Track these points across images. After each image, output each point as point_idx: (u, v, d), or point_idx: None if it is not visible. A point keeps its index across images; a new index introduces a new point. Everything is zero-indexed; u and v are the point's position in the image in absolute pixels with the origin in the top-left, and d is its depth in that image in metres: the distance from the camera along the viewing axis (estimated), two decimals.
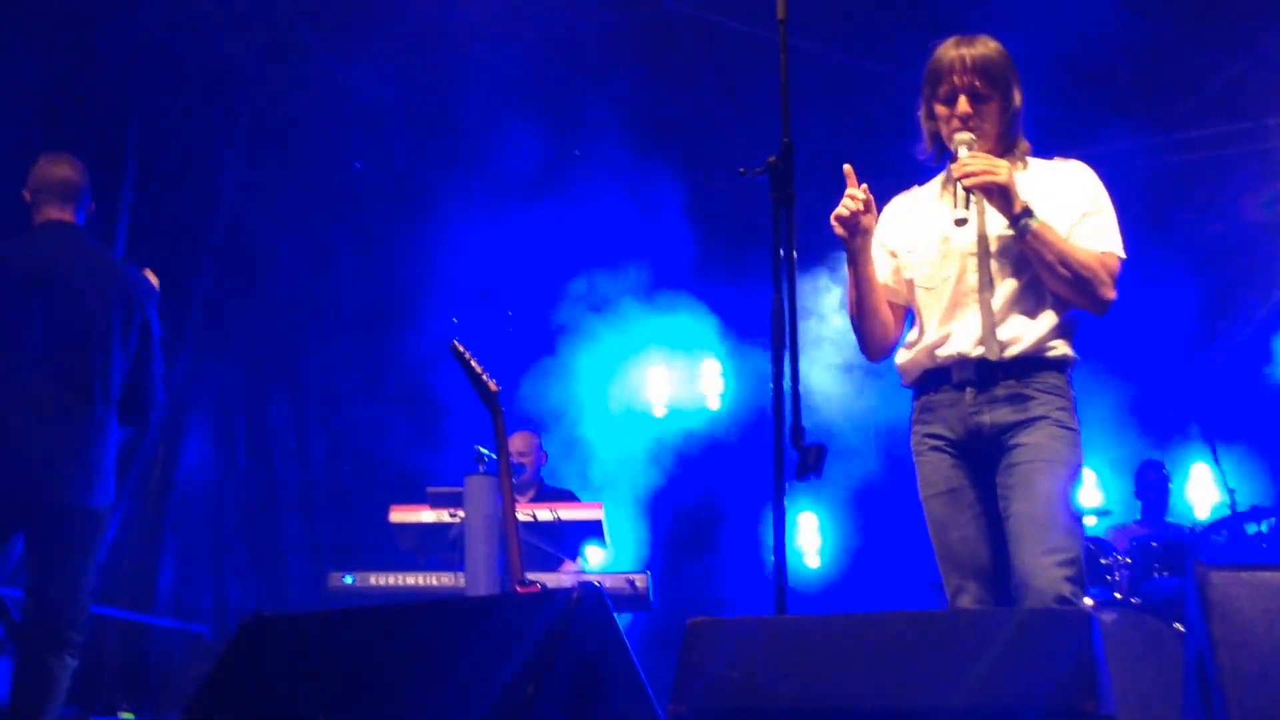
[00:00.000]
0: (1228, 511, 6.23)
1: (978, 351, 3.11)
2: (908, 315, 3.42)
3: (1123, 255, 3.15)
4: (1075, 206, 3.15)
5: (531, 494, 6.27)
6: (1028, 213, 3.04)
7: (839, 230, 3.17)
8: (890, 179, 3.53)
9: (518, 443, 6.33)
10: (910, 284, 3.32)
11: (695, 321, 8.32)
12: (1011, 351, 3.10)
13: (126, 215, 6.13)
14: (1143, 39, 6.64)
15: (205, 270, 6.87)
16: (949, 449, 3.18)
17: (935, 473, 3.20)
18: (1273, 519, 6.37)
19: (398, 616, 2.73)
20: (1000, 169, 3.05)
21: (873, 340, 3.35)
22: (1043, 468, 3.01)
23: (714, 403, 8.59)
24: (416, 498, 5.61)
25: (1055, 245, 3.05)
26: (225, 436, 7.09)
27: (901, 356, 3.32)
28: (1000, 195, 3.05)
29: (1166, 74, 7.04)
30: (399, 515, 5.57)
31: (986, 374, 3.11)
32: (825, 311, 7.39)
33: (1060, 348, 3.14)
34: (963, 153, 3.11)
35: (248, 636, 2.75)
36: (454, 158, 7.23)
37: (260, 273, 7.22)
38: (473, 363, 4.24)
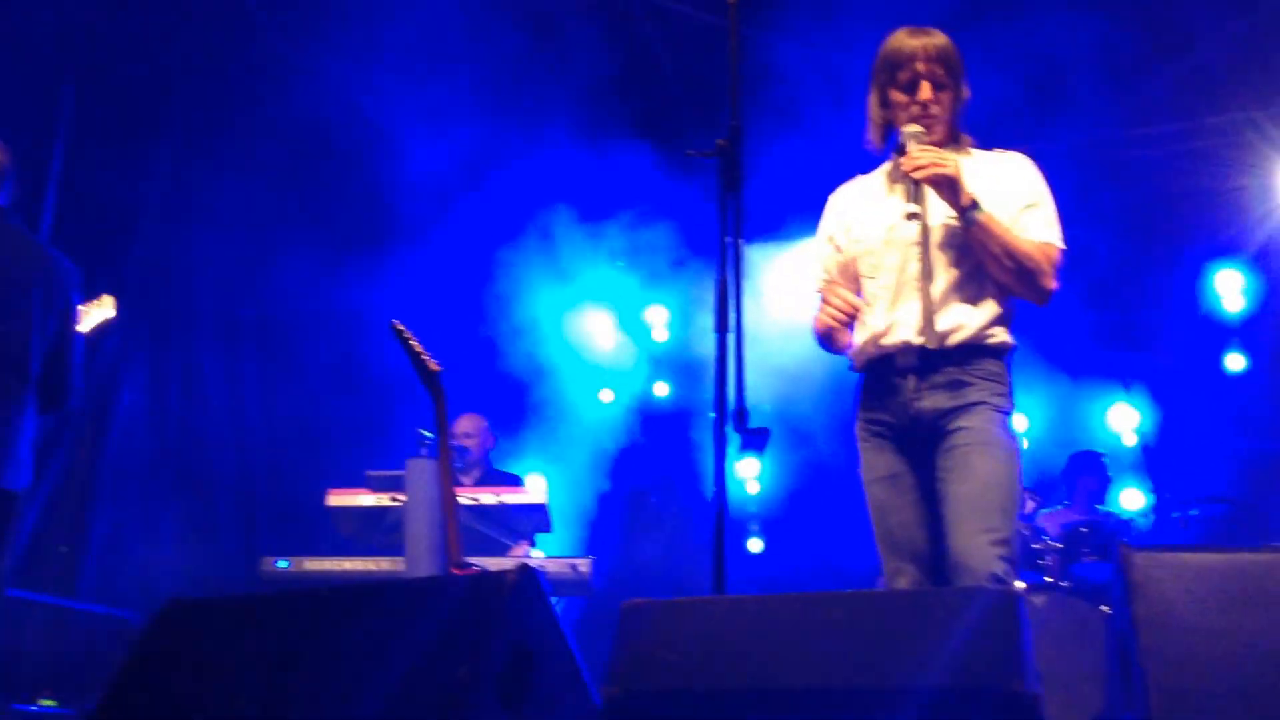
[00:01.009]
0: (1155, 499, 6.36)
1: (919, 340, 3.16)
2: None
3: (1063, 246, 3.22)
4: (1017, 198, 3.22)
5: (476, 476, 6.23)
6: (974, 205, 3.10)
7: (829, 322, 3.24)
8: (836, 167, 3.57)
9: (464, 424, 6.29)
10: (855, 273, 3.36)
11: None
12: (952, 340, 3.15)
13: (54, 194, 6.01)
14: (1085, 38, 6.74)
15: (136, 250, 6.75)
16: (890, 435, 3.23)
17: (877, 458, 3.25)
18: (1196, 509, 6.54)
19: (326, 599, 2.70)
20: (949, 161, 3.11)
21: (834, 347, 3.41)
22: (980, 450, 3.07)
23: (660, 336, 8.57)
24: (355, 481, 5.56)
25: (1000, 237, 3.11)
26: (156, 419, 6.97)
27: (853, 341, 3.36)
28: (949, 187, 3.11)
29: (1107, 73, 7.15)
30: (337, 499, 5.52)
31: (928, 362, 3.16)
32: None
33: (999, 335, 3.20)
34: (912, 147, 3.16)
35: (167, 621, 2.70)
36: (397, 137, 7.16)
37: (195, 251, 7.10)
38: (413, 342, 4.20)
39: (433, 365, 4.20)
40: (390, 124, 7.12)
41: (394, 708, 2.28)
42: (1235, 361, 8.14)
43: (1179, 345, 8.26)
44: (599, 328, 8.46)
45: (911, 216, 3.10)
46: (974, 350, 3.16)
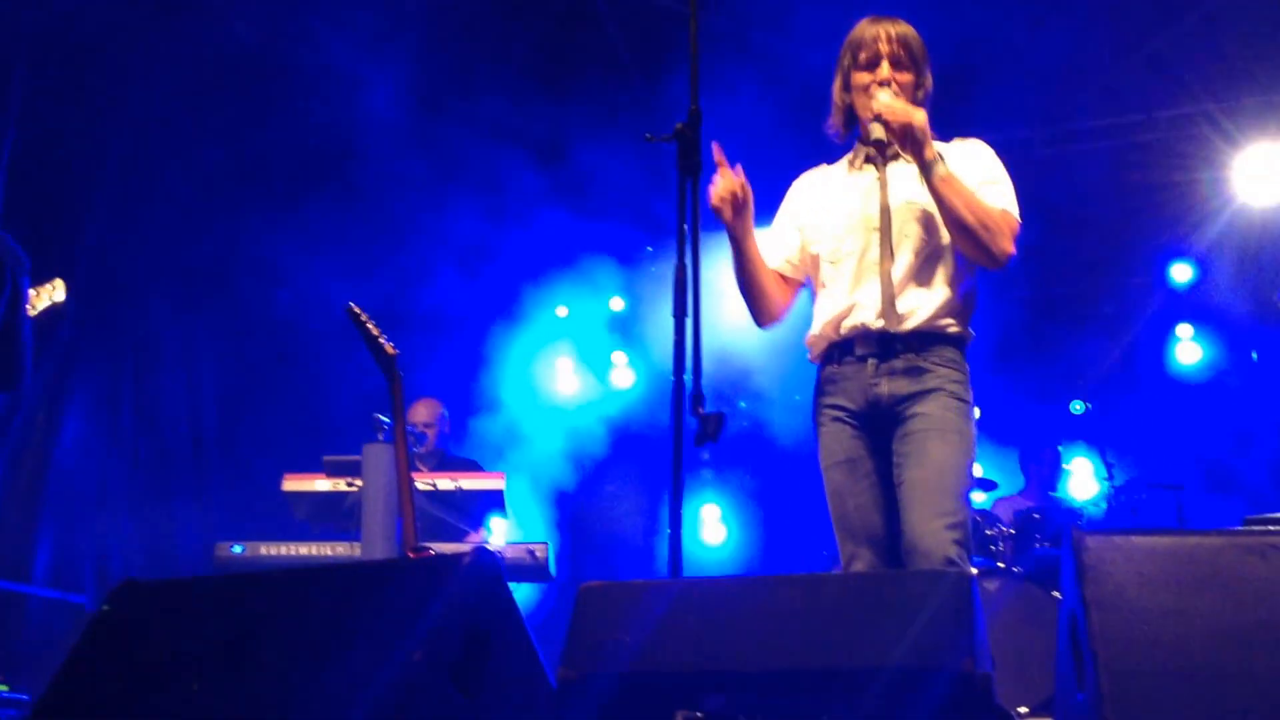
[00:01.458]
0: (1107, 487, 6.44)
1: (879, 324, 3.19)
2: (804, 289, 3.50)
3: (1020, 219, 3.26)
4: (977, 174, 3.26)
5: (433, 463, 6.20)
6: (939, 158, 3.14)
7: (725, 215, 3.23)
8: (797, 154, 3.59)
9: (420, 410, 6.26)
10: (815, 259, 3.38)
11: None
12: (910, 324, 3.18)
13: (4, 177, 5.92)
14: (1039, 29, 6.80)
15: (90, 232, 6.65)
16: (849, 420, 3.25)
17: (835, 443, 3.27)
18: (1146, 495, 6.63)
19: (280, 582, 2.69)
20: (918, 115, 3.14)
21: (760, 311, 3.43)
22: (936, 436, 3.11)
23: (624, 381, 8.57)
24: (311, 466, 5.52)
25: (963, 192, 3.15)
26: (111, 403, 6.89)
27: (808, 334, 3.39)
28: (914, 140, 3.14)
29: (1062, 65, 7.21)
30: (293, 484, 5.48)
31: (887, 346, 3.19)
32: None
33: (958, 324, 3.24)
34: (885, 95, 3.20)
35: (120, 603, 2.67)
36: (344, 122, 7.11)
37: (151, 234, 7.01)
38: (370, 326, 4.17)
39: (389, 349, 4.18)
40: (360, 114, 7.07)
41: (348, 691, 2.27)
42: (1187, 353, 8.26)
43: (1132, 336, 8.36)
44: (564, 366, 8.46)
45: (876, 142, 3.15)
46: (933, 337, 3.20)
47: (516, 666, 2.47)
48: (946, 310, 3.22)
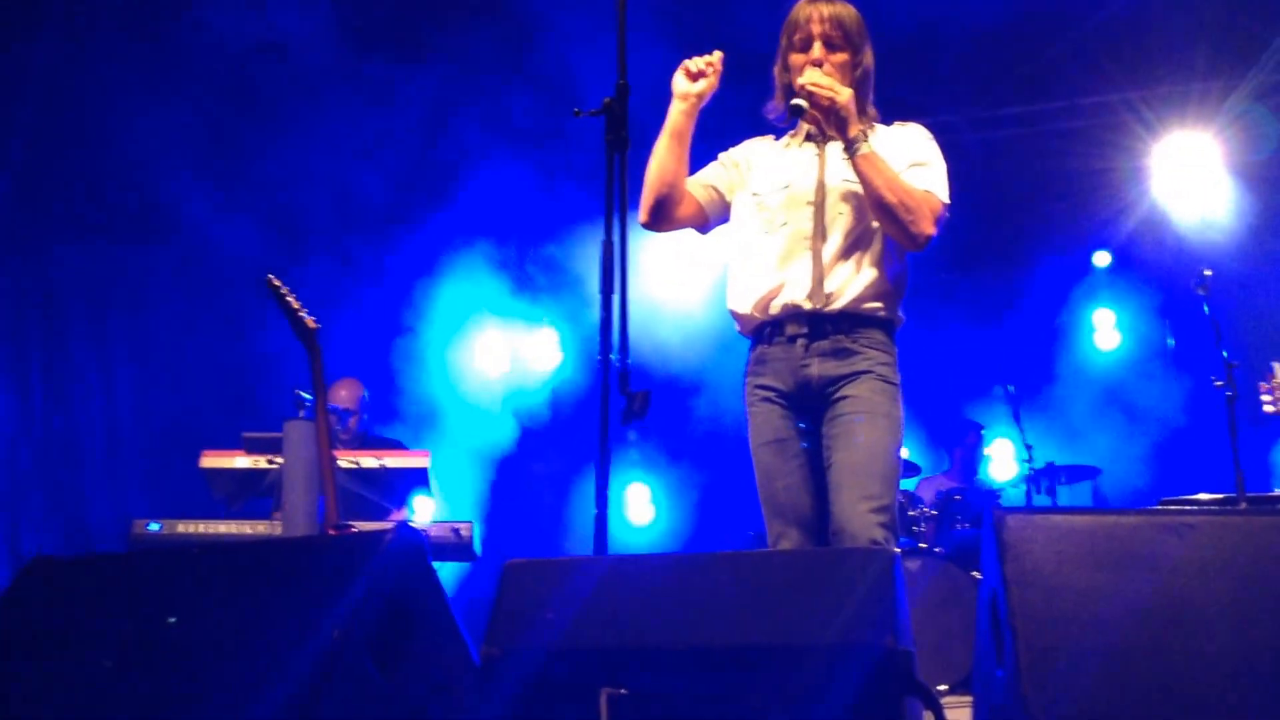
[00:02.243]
0: (1027, 470, 6.55)
1: (808, 304, 3.19)
2: (699, 229, 3.48)
3: (947, 201, 3.28)
4: (908, 156, 3.28)
5: (356, 446, 6.14)
6: (862, 136, 3.15)
7: (682, 81, 3.23)
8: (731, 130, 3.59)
9: (341, 391, 6.19)
10: (744, 221, 3.37)
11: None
12: (838, 304, 3.19)
13: None
14: (959, 15, 6.86)
15: None
16: (779, 400, 3.26)
17: (765, 423, 3.28)
18: (1064, 478, 6.76)
19: (196, 559, 2.63)
20: (843, 93, 3.15)
21: (658, 204, 3.34)
22: (864, 420, 3.13)
23: (552, 362, 8.54)
24: (230, 443, 5.42)
25: (884, 170, 3.15)
26: (19, 377, 6.68)
27: (738, 304, 3.37)
28: (837, 117, 3.15)
29: (988, 53, 7.28)
30: (211, 461, 5.36)
31: (817, 326, 3.20)
32: None
33: (887, 307, 3.26)
34: (812, 71, 3.20)
35: (31, 579, 2.61)
36: (267, 81, 6.98)
37: (60, 199, 6.80)
38: (289, 298, 4.08)
39: (310, 322, 4.10)
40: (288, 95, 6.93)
41: (263, 670, 2.23)
42: (1106, 338, 8.41)
43: (1053, 321, 8.50)
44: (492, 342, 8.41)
45: (795, 110, 3.16)
46: (861, 319, 3.21)
47: (439, 645, 2.44)
48: (875, 292, 3.23)
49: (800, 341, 3.21)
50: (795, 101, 3.16)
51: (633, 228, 2.98)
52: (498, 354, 8.32)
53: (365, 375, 6.47)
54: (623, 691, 2.04)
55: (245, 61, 6.80)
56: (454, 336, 8.15)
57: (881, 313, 3.24)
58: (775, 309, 3.24)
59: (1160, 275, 8.02)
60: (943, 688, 5.39)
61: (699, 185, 3.42)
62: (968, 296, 8.40)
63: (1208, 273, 5.08)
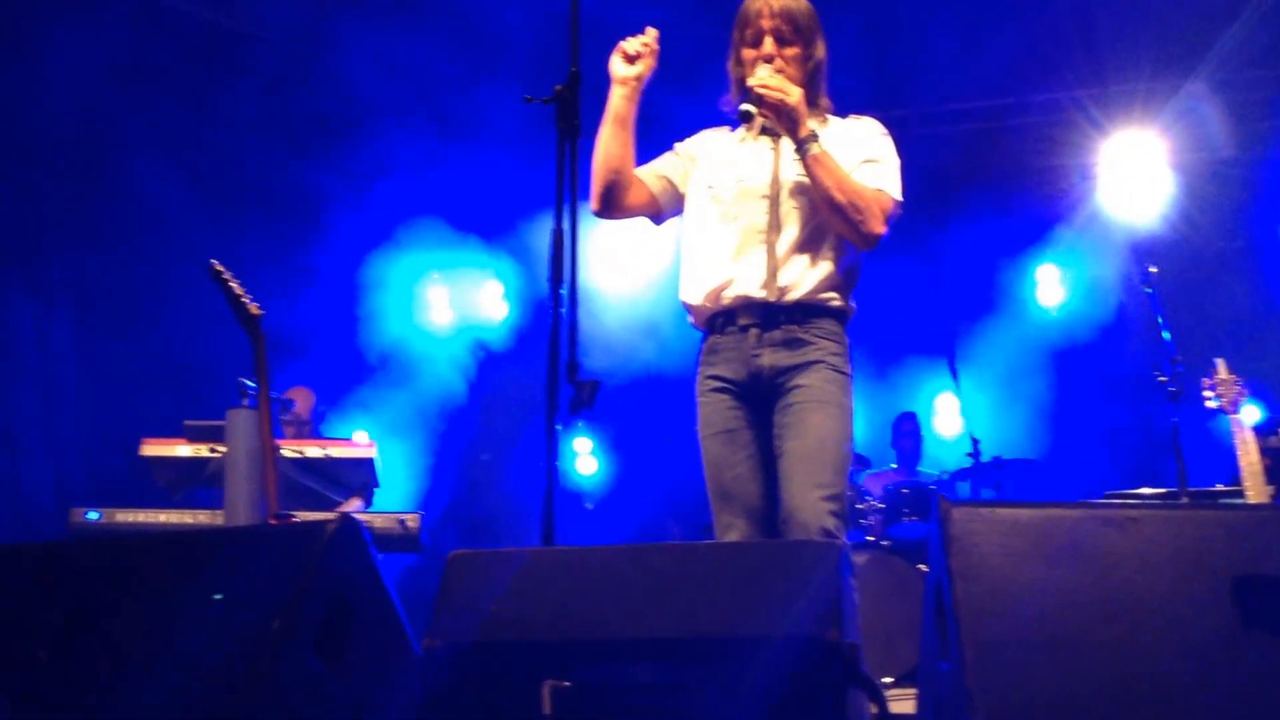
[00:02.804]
0: (971, 462, 6.61)
1: (761, 294, 3.19)
2: (652, 219, 3.47)
3: (899, 198, 3.29)
4: (860, 152, 3.29)
5: None
6: (813, 137, 3.15)
7: (619, 64, 3.21)
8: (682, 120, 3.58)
9: (295, 399, 6.15)
10: (698, 212, 3.36)
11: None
12: (792, 295, 3.20)
13: None
14: (916, 13, 6.91)
15: None
16: (730, 390, 3.26)
17: (715, 413, 3.27)
18: (1010, 470, 6.82)
19: (134, 548, 2.58)
20: (793, 93, 3.15)
21: (607, 191, 3.32)
22: (816, 409, 3.13)
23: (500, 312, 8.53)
24: (172, 430, 5.33)
25: (834, 171, 3.16)
26: None
27: (691, 296, 3.36)
28: (788, 117, 3.15)
29: (936, 46, 7.33)
30: (152, 449, 5.28)
31: (769, 317, 3.20)
32: None
33: (839, 297, 3.26)
34: (762, 71, 3.20)
35: None
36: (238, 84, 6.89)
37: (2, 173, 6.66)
38: (233, 284, 4.02)
39: (253, 309, 4.03)
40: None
41: (202, 660, 2.19)
42: (1054, 334, 8.50)
43: (1001, 314, 8.57)
44: (438, 296, 8.38)
45: (745, 115, 3.14)
46: (814, 309, 3.22)
47: (381, 636, 2.41)
48: (829, 283, 3.23)
49: (753, 331, 3.21)
50: (744, 107, 3.15)
51: (584, 217, 2.96)
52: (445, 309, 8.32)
53: (310, 359, 6.42)
54: (566, 684, 2.02)
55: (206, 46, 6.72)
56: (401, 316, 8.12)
57: (834, 303, 3.25)
58: (728, 299, 3.24)
59: (1110, 273, 8.11)
60: (888, 680, 5.42)
61: (652, 174, 3.41)
62: (920, 290, 8.45)
63: (1153, 269, 5.13)
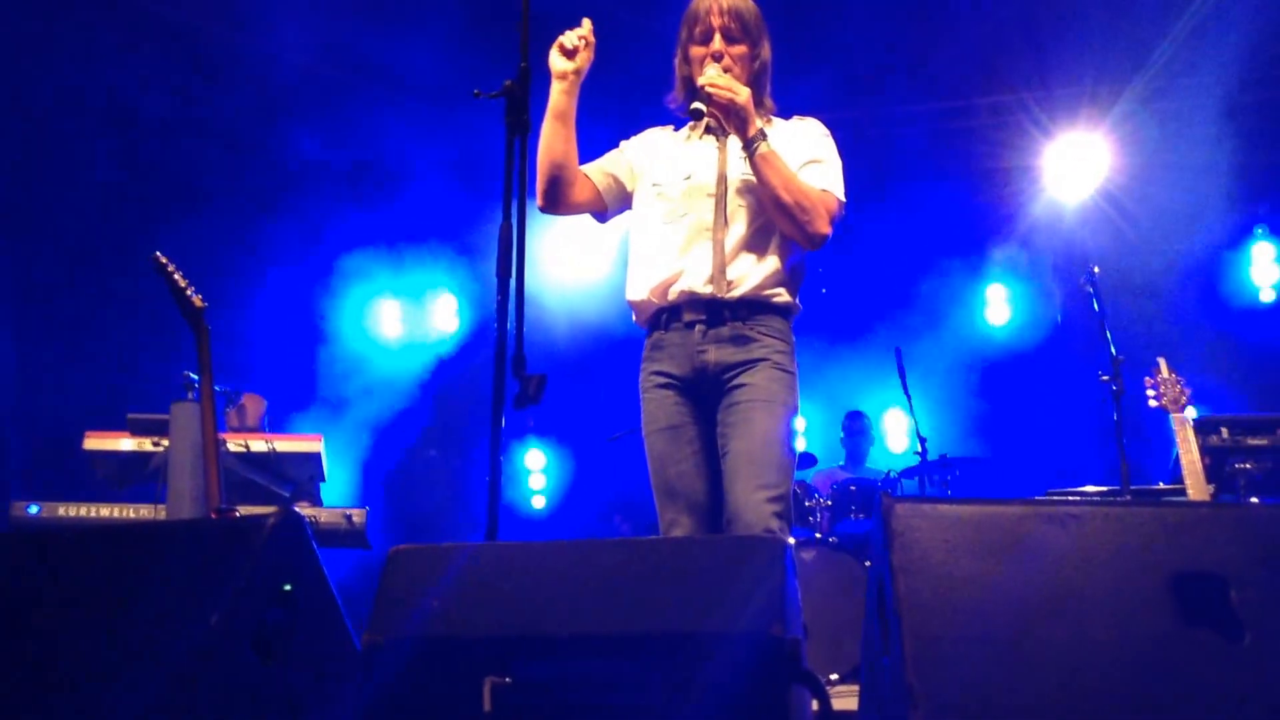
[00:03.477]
0: (919, 460, 6.66)
1: (707, 290, 3.19)
2: (597, 216, 3.47)
3: (843, 199, 3.31)
4: (804, 153, 3.31)
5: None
6: (761, 136, 3.17)
7: (558, 59, 3.19)
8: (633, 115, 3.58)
9: (247, 406, 6.09)
10: (644, 213, 3.36)
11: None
12: (738, 291, 3.20)
13: None
14: (857, 12, 6.95)
15: None
16: (674, 386, 3.25)
17: (659, 409, 3.27)
18: (958, 469, 6.88)
19: (72, 542, 2.53)
20: (742, 92, 3.16)
21: (553, 186, 3.32)
22: (761, 408, 3.14)
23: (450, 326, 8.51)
24: (115, 424, 5.26)
25: (782, 170, 3.17)
26: None
27: (636, 292, 3.36)
28: (737, 116, 3.16)
29: (881, 49, 7.39)
30: (94, 442, 5.22)
31: (715, 313, 3.21)
32: None
33: (785, 295, 3.27)
34: (711, 70, 3.21)
35: None
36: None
37: None
38: (176, 276, 3.97)
39: (197, 301, 3.99)
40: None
41: (139, 654, 2.15)
42: (1000, 332, 8.59)
43: (948, 316, 8.64)
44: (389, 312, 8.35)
45: (695, 113, 3.14)
46: (760, 306, 3.22)
47: (322, 632, 2.38)
48: (775, 280, 3.25)
49: (698, 328, 3.21)
50: (695, 105, 3.16)
51: (532, 213, 2.95)
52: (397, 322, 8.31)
53: (262, 360, 6.35)
54: (507, 680, 2.01)
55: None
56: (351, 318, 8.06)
57: (779, 300, 3.26)
58: (674, 295, 3.24)
59: (1053, 273, 8.21)
60: (835, 676, 5.45)
61: (598, 171, 3.40)
62: (866, 289, 8.51)
63: (1096, 269, 5.19)
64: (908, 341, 8.24)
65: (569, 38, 3.20)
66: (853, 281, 8.36)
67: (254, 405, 6.14)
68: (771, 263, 3.24)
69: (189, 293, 3.99)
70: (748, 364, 3.18)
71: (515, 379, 2.83)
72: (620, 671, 2.02)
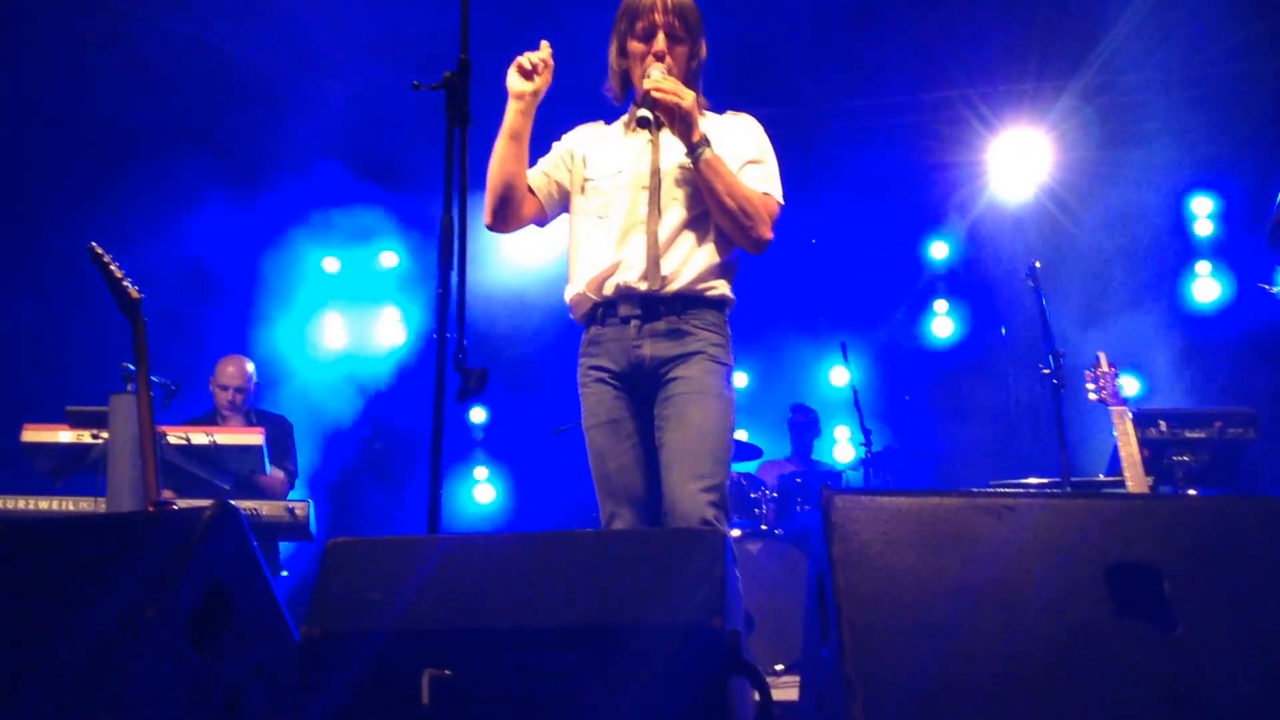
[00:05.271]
0: (863, 451, 6.71)
1: (643, 285, 3.19)
2: (537, 223, 3.47)
3: (782, 202, 3.33)
4: (743, 153, 3.31)
5: (240, 420, 5.98)
6: (705, 142, 3.17)
7: (516, 79, 3.19)
8: (574, 105, 3.57)
9: (230, 367, 6.03)
10: (580, 208, 3.37)
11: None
12: (673, 286, 3.20)
13: None
14: (809, 19, 6.99)
15: None
16: (612, 381, 3.26)
17: (598, 404, 3.27)
18: (902, 462, 6.95)
19: (7, 535, 2.50)
20: (687, 96, 3.16)
21: (503, 205, 3.33)
22: (696, 400, 3.15)
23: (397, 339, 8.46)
24: (53, 416, 5.19)
25: (726, 176, 3.18)
26: None
27: (573, 289, 3.35)
28: (682, 120, 3.16)
29: (826, 43, 7.42)
30: (33, 435, 5.14)
31: (650, 308, 3.21)
32: None
33: (720, 288, 3.28)
34: (656, 72, 3.20)
35: None
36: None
37: None
38: (112, 267, 3.92)
39: (133, 293, 3.93)
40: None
41: (71, 647, 2.12)
42: (943, 327, 8.66)
43: (892, 309, 8.70)
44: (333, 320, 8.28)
45: (643, 121, 3.13)
46: (695, 300, 3.23)
47: (259, 625, 2.36)
48: (710, 273, 3.26)
49: (634, 323, 3.22)
50: (642, 113, 3.15)
51: (473, 205, 2.92)
52: (340, 332, 8.23)
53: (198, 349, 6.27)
54: (446, 674, 2.00)
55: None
56: (300, 314, 7.99)
57: (714, 293, 3.27)
58: (609, 290, 3.24)
59: (997, 267, 8.29)
60: (779, 667, 5.48)
61: (540, 178, 3.41)
62: (811, 284, 8.55)
63: (1038, 264, 5.25)
64: (853, 335, 8.33)
65: (529, 58, 3.20)
66: (799, 274, 8.40)
67: (237, 365, 6.07)
68: (706, 256, 3.25)
69: (125, 284, 3.94)
70: (683, 357, 3.19)
71: (457, 373, 2.81)
72: (560, 664, 2.02)
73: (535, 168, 3.42)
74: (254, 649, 2.31)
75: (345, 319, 8.30)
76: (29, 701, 2.11)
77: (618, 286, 3.22)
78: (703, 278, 3.24)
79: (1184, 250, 7.98)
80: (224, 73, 7.05)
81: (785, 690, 4.70)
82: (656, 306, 3.21)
